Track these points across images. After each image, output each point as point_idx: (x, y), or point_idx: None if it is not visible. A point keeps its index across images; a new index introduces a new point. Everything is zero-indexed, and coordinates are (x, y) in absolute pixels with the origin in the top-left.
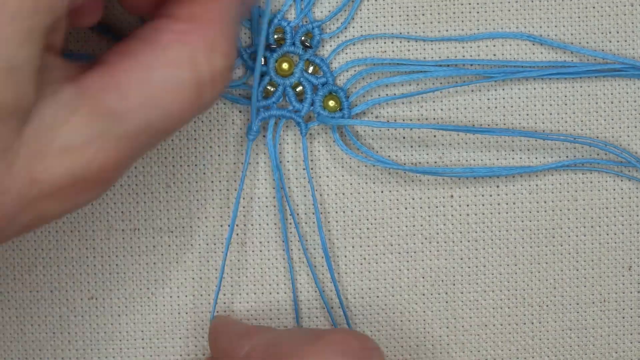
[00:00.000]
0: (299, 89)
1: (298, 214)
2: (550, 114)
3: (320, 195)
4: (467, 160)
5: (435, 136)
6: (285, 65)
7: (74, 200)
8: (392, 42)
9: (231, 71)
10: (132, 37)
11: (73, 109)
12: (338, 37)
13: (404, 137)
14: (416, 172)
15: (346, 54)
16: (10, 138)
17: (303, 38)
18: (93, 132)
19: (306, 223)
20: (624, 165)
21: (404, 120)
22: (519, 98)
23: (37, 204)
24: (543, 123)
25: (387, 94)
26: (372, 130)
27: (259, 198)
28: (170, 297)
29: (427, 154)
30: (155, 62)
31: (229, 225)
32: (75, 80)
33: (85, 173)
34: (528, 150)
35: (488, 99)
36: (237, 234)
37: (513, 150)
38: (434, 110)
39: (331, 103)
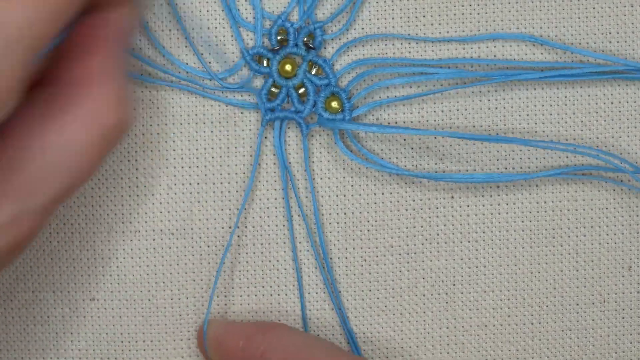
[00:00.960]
0: (302, 90)
1: (299, 215)
2: (551, 114)
3: (322, 196)
4: (466, 162)
5: (435, 138)
6: (288, 67)
7: None
8: (392, 43)
9: (129, 116)
10: (26, 106)
11: None
12: (340, 38)
13: (404, 139)
14: (415, 176)
15: (348, 55)
16: None
17: (306, 39)
18: (8, 213)
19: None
20: (621, 171)
21: (404, 122)
22: (519, 99)
23: None
24: (543, 123)
25: (388, 96)
26: (373, 133)
27: (260, 200)
28: (172, 299)
29: (428, 156)
30: (54, 132)
31: (230, 227)
32: None
33: (7, 247)
34: (528, 150)
35: (489, 100)
36: (238, 236)
37: (513, 151)
38: (435, 112)
39: (334, 104)
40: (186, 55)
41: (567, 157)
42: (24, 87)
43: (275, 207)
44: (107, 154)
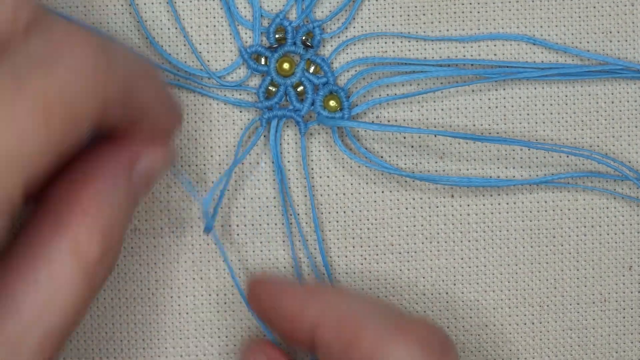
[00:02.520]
0: (300, 88)
1: (299, 214)
2: (551, 113)
3: (321, 195)
4: (467, 160)
5: (435, 136)
6: (286, 66)
7: None
8: (392, 42)
9: (115, 252)
10: (17, 242)
11: None
12: (339, 37)
13: (404, 138)
14: (414, 178)
15: (347, 54)
16: None
17: (304, 38)
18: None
19: (307, 223)
20: (620, 179)
21: (404, 120)
22: (520, 98)
23: None
24: (544, 123)
25: (388, 94)
26: (372, 131)
27: (259, 198)
28: (171, 297)
29: (428, 154)
30: (41, 271)
31: (229, 226)
32: None
33: None
34: (529, 150)
35: (489, 99)
36: (238, 234)
37: (514, 150)
38: (435, 110)
39: (332, 103)
40: (184, 54)
41: (567, 157)
42: (13, 208)
43: (274, 206)
44: (94, 292)
